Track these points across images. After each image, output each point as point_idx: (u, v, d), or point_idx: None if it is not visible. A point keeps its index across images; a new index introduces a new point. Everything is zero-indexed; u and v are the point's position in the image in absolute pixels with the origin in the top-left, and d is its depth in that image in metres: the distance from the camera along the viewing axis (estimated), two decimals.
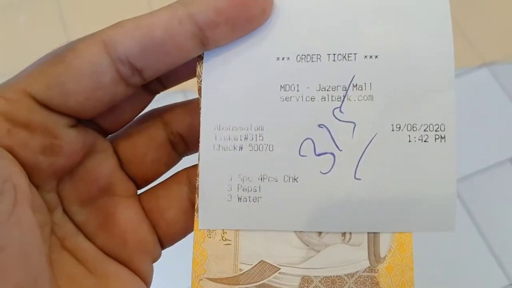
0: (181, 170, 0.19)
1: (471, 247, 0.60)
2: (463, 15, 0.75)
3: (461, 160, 0.64)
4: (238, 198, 0.16)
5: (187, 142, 0.19)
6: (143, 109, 0.19)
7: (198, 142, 0.17)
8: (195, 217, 0.17)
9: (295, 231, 0.16)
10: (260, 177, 0.16)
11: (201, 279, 0.17)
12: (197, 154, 0.18)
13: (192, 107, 0.19)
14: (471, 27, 0.74)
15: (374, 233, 0.16)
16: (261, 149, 0.16)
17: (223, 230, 0.17)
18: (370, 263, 0.16)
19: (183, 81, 0.18)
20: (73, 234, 0.17)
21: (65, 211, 0.17)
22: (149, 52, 0.15)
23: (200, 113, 0.17)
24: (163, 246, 0.19)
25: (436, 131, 0.16)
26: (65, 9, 0.78)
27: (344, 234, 0.16)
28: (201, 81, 0.17)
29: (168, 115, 0.19)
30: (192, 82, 0.19)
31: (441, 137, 0.16)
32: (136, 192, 0.19)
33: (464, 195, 0.63)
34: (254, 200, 0.16)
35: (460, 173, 0.64)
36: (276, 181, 0.16)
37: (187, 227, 0.18)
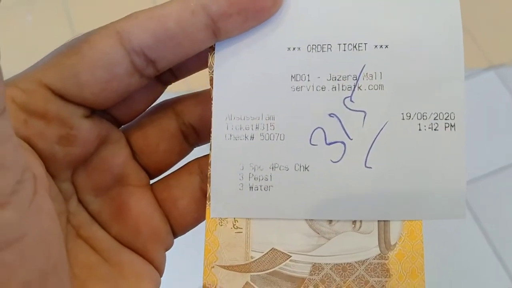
0: (193, 160, 0.19)
1: (476, 250, 0.60)
2: (470, 18, 0.75)
3: (468, 163, 0.63)
4: (250, 187, 0.17)
5: (198, 133, 0.19)
6: (155, 100, 0.19)
7: (209, 132, 0.17)
8: (207, 205, 0.17)
9: (306, 219, 0.17)
10: (271, 166, 0.17)
11: (213, 267, 0.17)
12: (208, 145, 0.18)
13: (203, 98, 0.19)
14: (478, 30, 0.74)
15: (384, 221, 0.16)
16: (272, 138, 0.17)
17: (234, 218, 0.17)
18: (380, 250, 0.16)
19: (194, 72, 0.19)
20: (88, 223, 0.17)
21: (79, 201, 0.17)
22: (163, 43, 0.16)
23: (211, 103, 0.17)
24: (175, 235, 0.19)
25: (446, 119, 0.16)
26: (71, 8, 0.78)
27: (354, 222, 0.16)
28: (212, 71, 0.17)
29: (180, 106, 0.19)
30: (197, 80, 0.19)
31: (451, 125, 0.16)
32: (149, 182, 0.19)
33: (471, 199, 0.63)
34: (266, 189, 0.17)
35: (467, 177, 0.63)
36: (287, 170, 0.17)
37: (199, 216, 0.19)
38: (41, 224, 0.13)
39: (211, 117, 0.17)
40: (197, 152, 0.20)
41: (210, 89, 0.17)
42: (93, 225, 0.18)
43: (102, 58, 0.15)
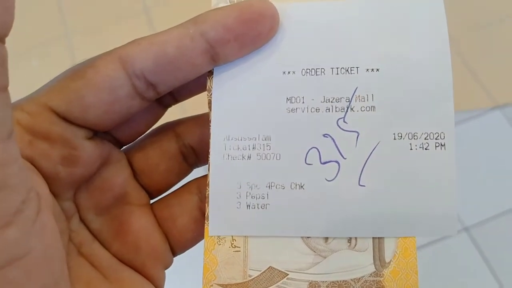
0: (192, 180, 0.20)
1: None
2: (474, 58, 0.76)
3: (476, 205, 0.64)
4: (247, 205, 0.17)
5: (197, 154, 0.20)
6: (156, 122, 0.19)
7: (208, 154, 0.18)
8: (205, 225, 0.17)
9: (302, 238, 0.17)
10: (268, 185, 0.17)
11: (212, 285, 0.17)
12: (206, 166, 0.18)
13: (202, 120, 0.20)
14: (483, 69, 0.75)
15: (379, 238, 0.17)
16: (268, 158, 0.17)
17: (232, 237, 0.17)
18: (375, 268, 0.17)
19: (194, 95, 0.19)
20: (89, 241, 0.18)
21: (81, 219, 0.18)
22: (163, 68, 0.16)
23: (210, 125, 0.18)
24: (174, 254, 0.19)
25: (436, 139, 0.17)
26: (77, 52, 0.80)
27: (350, 240, 0.17)
28: (211, 94, 0.18)
29: (180, 128, 0.20)
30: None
31: (441, 144, 0.16)
32: (149, 201, 0.19)
33: (479, 241, 0.62)
34: (262, 207, 0.17)
35: (475, 219, 0.63)
36: (283, 189, 0.17)
37: (198, 235, 0.19)
38: (45, 242, 0.13)
39: (209, 138, 0.18)
40: (196, 173, 0.20)
41: (208, 111, 0.18)
42: (94, 243, 0.18)
43: (106, 81, 0.16)
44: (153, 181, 0.19)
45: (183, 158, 0.20)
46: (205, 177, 0.18)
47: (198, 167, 0.20)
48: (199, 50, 0.16)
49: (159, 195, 0.20)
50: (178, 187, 0.20)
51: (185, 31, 0.16)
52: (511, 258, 0.61)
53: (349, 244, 0.17)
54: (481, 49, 0.78)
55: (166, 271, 0.19)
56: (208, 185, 0.17)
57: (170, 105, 0.19)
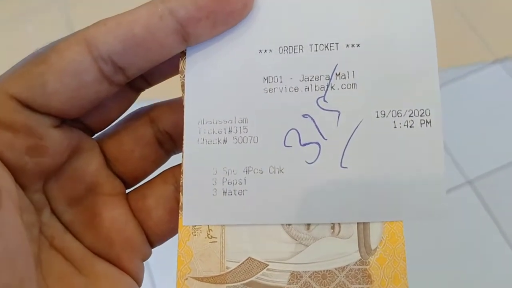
0: (168, 169, 0.19)
1: (491, 245, 0.60)
2: (474, 12, 0.76)
3: (477, 158, 0.64)
4: (223, 192, 0.16)
5: (174, 140, 0.19)
6: (128, 107, 0.18)
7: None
8: (179, 214, 0.16)
9: (283, 225, 0.16)
10: (245, 170, 0.16)
11: (187, 279, 0.16)
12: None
13: (178, 104, 0.19)
14: (482, 24, 0.75)
15: (364, 224, 0.16)
16: (245, 141, 0.16)
17: (208, 227, 0.16)
18: (361, 256, 0.16)
19: (167, 78, 0.18)
20: (62, 233, 0.17)
21: (53, 211, 0.17)
22: (131, 50, 0.15)
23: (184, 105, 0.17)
24: (152, 245, 0.18)
25: (421, 116, 0.16)
26: (73, 17, 0.79)
27: (333, 226, 0.16)
28: (184, 76, 0.17)
29: (155, 113, 0.19)
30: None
31: (427, 122, 0.15)
32: (124, 190, 0.19)
33: (483, 194, 0.62)
34: (240, 193, 0.16)
35: (477, 172, 0.64)
36: (261, 173, 0.16)
37: (175, 226, 0.18)
38: (6, 239, 0.13)
39: None
40: (174, 161, 0.19)
41: (182, 95, 0.17)
42: (67, 235, 0.17)
43: (70, 66, 0.15)
44: (128, 169, 0.18)
45: (159, 144, 0.19)
46: (181, 165, 0.17)
47: (175, 153, 0.19)
48: (169, 29, 0.15)
49: (136, 183, 0.19)
50: (155, 175, 0.19)
51: (153, 10, 0.15)
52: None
53: (332, 230, 0.16)
54: (480, 3, 0.78)
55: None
56: (182, 172, 0.16)
57: (142, 89, 0.19)
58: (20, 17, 0.79)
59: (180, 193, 0.16)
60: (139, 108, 0.19)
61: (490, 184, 0.63)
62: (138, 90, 0.18)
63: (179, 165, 0.18)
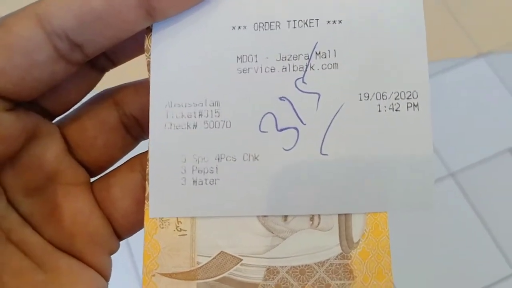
0: (134, 156, 0.17)
1: (473, 237, 0.60)
2: (458, 5, 0.76)
3: (460, 152, 0.65)
4: (193, 181, 0.15)
5: (142, 125, 0.17)
6: (91, 89, 0.17)
7: None
8: (145, 205, 0.15)
9: (258, 217, 0.15)
10: (217, 157, 0.15)
11: (154, 275, 0.15)
12: None
13: (145, 86, 0.17)
14: (466, 17, 0.74)
15: (345, 215, 0.14)
16: (217, 126, 0.15)
17: (177, 219, 0.15)
18: (342, 249, 0.14)
19: (133, 57, 0.17)
20: (20, 226, 0.16)
21: (9, 202, 0.16)
22: (89, 25, 0.14)
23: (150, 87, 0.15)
24: (120, 237, 0.17)
25: (408, 98, 0.14)
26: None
27: (312, 218, 0.15)
28: (149, 55, 0.15)
29: (120, 95, 0.17)
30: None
31: (414, 105, 0.14)
32: (88, 179, 0.17)
33: (465, 186, 0.63)
34: (211, 183, 0.15)
35: (460, 165, 0.64)
36: (234, 161, 0.15)
37: (143, 218, 0.17)
38: None
39: None
40: (143, 147, 0.18)
41: (147, 66, 0.16)
42: (25, 228, 0.16)
43: (19, 43, 0.13)
44: (92, 157, 0.17)
45: (125, 129, 0.17)
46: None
47: (144, 139, 0.18)
48: (131, 3, 0.14)
49: (101, 172, 0.18)
50: (121, 163, 0.18)
51: None
52: (497, 202, 0.61)
53: (311, 222, 0.15)
54: None
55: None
56: (148, 159, 0.15)
57: (106, 69, 0.17)
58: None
59: (146, 182, 0.15)
60: (103, 90, 0.18)
61: (472, 177, 0.63)
62: (102, 70, 0.17)
63: (147, 152, 0.17)
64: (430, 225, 0.60)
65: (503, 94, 0.68)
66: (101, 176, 0.17)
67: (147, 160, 0.16)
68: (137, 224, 0.17)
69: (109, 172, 0.18)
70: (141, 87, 0.17)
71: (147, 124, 0.17)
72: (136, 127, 0.17)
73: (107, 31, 0.14)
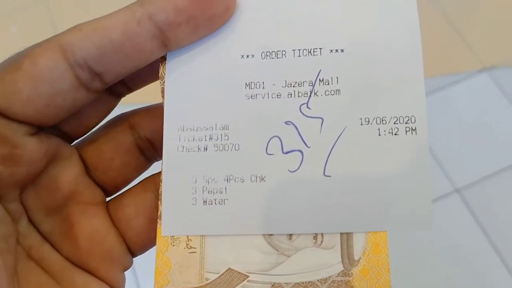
0: (148, 177, 0.18)
1: (479, 253, 0.60)
2: (461, 20, 0.76)
3: (464, 167, 0.65)
4: (203, 201, 0.16)
5: (155, 147, 0.18)
6: (108, 113, 0.18)
7: None
8: (158, 224, 0.16)
9: (264, 235, 0.15)
10: (226, 178, 0.16)
11: None
12: None
13: (159, 110, 0.18)
14: (470, 32, 0.75)
15: (347, 234, 0.15)
16: (226, 149, 0.16)
17: (187, 237, 0.16)
18: (343, 267, 0.15)
19: (148, 83, 0.18)
20: (39, 244, 0.17)
21: (30, 221, 0.17)
22: (108, 56, 0.15)
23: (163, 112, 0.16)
24: (134, 255, 0.18)
25: (406, 123, 0.15)
26: (56, 17, 0.78)
27: (315, 236, 0.15)
28: (163, 82, 0.16)
29: (135, 119, 0.18)
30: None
31: (412, 129, 0.15)
32: (104, 199, 0.18)
33: (470, 202, 0.62)
34: (220, 203, 0.15)
35: (465, 180, 0.64)
36: (242, 182, 0.16)
37: (155, 236, 0.17)
38: None
39: None
40: (156, 168, 0.19)
41: (161, 92, 0.17)
42: (45, 245, 0.17)
43: (45, 73, 0.15)
44: (109, 177, 0.18)
45: (139, 151, 0.18)
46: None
47: (157, 160, 0.19)
48: (148, 35, 0.15)
49: (116, 192, 0.19)
50: (135, 183, 0.19)
51: (131, 14, 0.15)
52: (503, 218, 0.61)
53: (315, 241, 0.15)
54: (468, 12, 0.78)
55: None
56: (161, 180, 0.16)
57: (123, 95, 0.18)
58: (4, 18, 0.78)
59: (159, 202, 0.16)
60: (119, 114, 0.19)
61: (478, 193, 0.63)
62: (118, 96, 0.18)
63: (160, 173, 0.18)
64: (435, 241, 0.60)
65: (507, 109, 0.68)
66: (116, 196, 0.18)
67: (160, 180, 0.17)
68: (150, 242, 0.18)
69: (124, 192, 0.18)
70: (155, 111, 0.18)
71: (161, 146, 0.18)
72: (150, 149, 0.18)
73: (125, 61, 0.15)
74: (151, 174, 0.18)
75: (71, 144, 0.18)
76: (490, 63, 0.72)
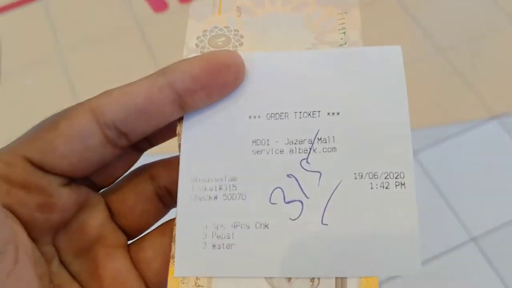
0: (166, 222, 0.20)
1: None
2: (469, 68, 0.77)
3: (480, 215, 0.64)
4: (213, 245, 0.17)
5: (172, 195, 0.20)
6: (132, 166, 0.20)
7: None
8: (170, 263, 0.18)
9: (266, 277, 0.17)
10: (233, 225, 0.17)
11: None
12: None
13: (176, 162, 0.20)
14: (479, 80, 0.76)
15: (341, 278, 0.17)
16: (234, 198, 0.18)
17: (196, 277, 0.17)
18: None
19: (167, 139, 0.20)
20: (69, 282, 0.18)
21: (61, 261, 0.18)
22: (133, 118, 0.17)
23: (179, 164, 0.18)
24: None
25: (396, 178, 0.17)
26: (71, 69, 0.80)
27: (312, 280, 0.17)
28: (180, 138, 0.19)
29: (155, 170, 0.20)
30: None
31: (401, 183, 0.17)
32: (126, 242, 0.20)
33: (487, 250, 0.62)
34: (228, 247, 0.17)
35: (481, 229, 0.63)
36: (248, 228, 0.17)
37: None
38: None
39: None
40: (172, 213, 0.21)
41: (178, 147, 0.19)
42: (74, 284, 0.18)
43: (78, 133, 0.17)
44: (131, 222, 0.20)
45: (158, 199, 0.20)
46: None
47: (174, 207, 0.21)
48: (168, 100, 0.17)
49: (137, 235, 0.20)
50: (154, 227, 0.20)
51: (153, 82, 0.17)
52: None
53: (311, 283, 0.17)
54: (475, 60, 0.79)
55: None
56: (175, 225, 0.18)
57: (145, 149, 0.20)
58: (20, 70, 0.81)
59: (172, 243, 0.18)
60: (140, 166, 0.21)
61: (494, 241, 0.62)
62: (141, 150, 0.20)
63: (175, 219, 0.20)
64: None
65: None
66: (137, 240, 0.20)
67: (174, 224, 0.19)
68: (166, 281, 0.19)
69: (144, 235, 0.20)
70: (172, 163, 0.20)
71: (177, 194, 0.20)
72: (168, 197, 0.20)
73: (147, 122, 0.18)
74: (168, 219, 0.20)
75: (99, 192, 0.20)
76: (500, 111, 0.73)
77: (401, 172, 0.17)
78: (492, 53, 0.80)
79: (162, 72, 0.18)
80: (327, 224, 0.17)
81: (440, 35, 0.81)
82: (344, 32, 0.20)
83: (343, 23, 0.20)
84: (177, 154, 0.21)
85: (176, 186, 0.20)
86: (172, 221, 0.20)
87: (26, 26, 0.86)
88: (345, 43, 0.20)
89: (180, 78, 0.17)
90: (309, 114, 0.18)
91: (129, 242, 0.20)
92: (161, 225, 0.20)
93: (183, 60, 0.18)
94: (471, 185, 0.66)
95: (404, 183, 0.17)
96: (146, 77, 0.18)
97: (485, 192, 0.66)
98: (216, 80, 0.18)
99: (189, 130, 0.18)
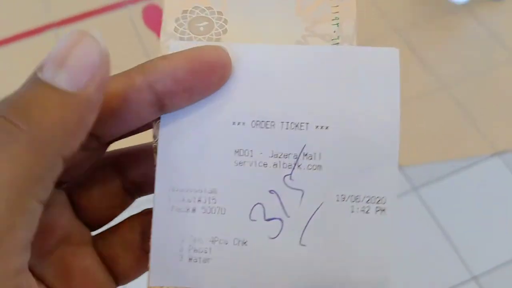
0: (134, 216, 0.19)
1: None
2: (472, 105, 0.78)
3: (483, 253, 0.65)
4: (189, 258, 0.17)
5: (140, 186, 0.19)
6: (97, 159, 0.19)
7: (151, 186, 0.17)
8: (148, 270, 0.17)
9: None
10: (211, 240, 0.17)
11: None
12: (149, 196, 0.18)
13: (145, 152, 0.19)
14: (482, 116, 0.77)
15: None
16: (213, 212, 0.17)
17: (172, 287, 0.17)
18: None
19: (138, 132, 0.19)
20: (35, 287, 0.17)
21: None
22: (107, 121, 0.16)
23: (155, 172, 0.17)
24: (118, 284, 0.19)
25: (377, 203, 0.17)
26: None
27: None
28: (156, 141, 0.17)
29: (122, 162, 0.19)
30: None
31: (382, 209, 0.17)
32: (91, 237, 0.19)
33: None
34: (204, 261, 0.17)
35: (483, 268, 0.64)
36: (226, 244, 0.17)
37: (142, 270, 0.19)
38: None
39: (153, 173, 0.17)
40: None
41: (153, 150, 0.17)
42: (41, 287, 0.17)
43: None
44: (96, 217, 0.19)
45: (125, 192, 0.19)
46: (148, 214, 0.18)
47: (139, 197, 0.20)
48: (146, 102, 0.16)
49: (100, 227, 0.20)
50: (120, 220, 0.20)
51: (130, 82, 0.15)
52: None
53: None
54: (478, 96, 0.79)
55: None
56: (151, 234, 0.17)
57: (112, 142, 0.19)
58: None
59: (150, 254, 0.17)
60: (105, 156, 0.19)
61: (495, 280, 0.63)
62: (108, 144, 0.19)
63: (147, 213, 0.19)
64: None
65: None
66: (103, 232, 0.19)
67: (145, 221, 0.18)
68: (135, 275, 0.19)
69: (111, 228, 0.19)
70: (142, 154, 0.19)
71: (146, 186, 0.19)
72: (135, 188, 0.19)
73: (122, 125, 0.16)
74: (137, 212, 0.20)
75: (61, 188, 0.18)
76: (502, 147, 0.74)
77: (383, 197, 0.17)
78: (496, 90, 0.78)
79: (141, 70, 0.16)
80: (305, 245, 0.17)
81: (444, 71, 0.78)
82: (337, 24, 0.18)
83: (337, 12, 0.19)
84: (145, 143, 0.20)
85: (145, 178, 0.19)
86: (141, 216, 0.19)
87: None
88: (338, 37, 0.18)
89: (161, 79, 0.15)
90: (297, 126, 0.17)
91: (93, 233, 0.19)
92: (128, 219, 0.19)
93: (164, 58, 0.16)
94: (473, 222, 0.66)
95: (385, 209, 0.17)
96: (122, 73, 0.16)
97: (487, 230, 0.66)
98: (200, 82, 0.16)
99: (167, 133, 0.17)
